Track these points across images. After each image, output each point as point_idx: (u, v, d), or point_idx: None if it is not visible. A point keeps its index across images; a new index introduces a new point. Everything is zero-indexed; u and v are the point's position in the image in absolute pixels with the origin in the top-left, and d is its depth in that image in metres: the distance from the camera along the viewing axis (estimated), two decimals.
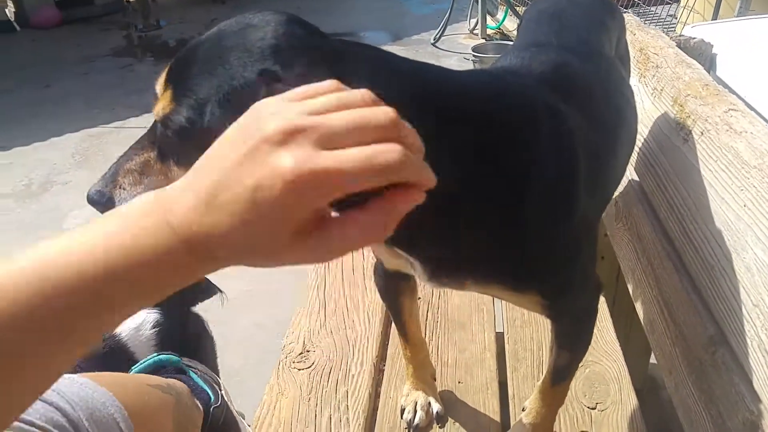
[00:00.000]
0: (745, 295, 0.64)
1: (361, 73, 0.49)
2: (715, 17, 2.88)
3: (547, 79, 0.69)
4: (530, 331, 1.08)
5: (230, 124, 0.36)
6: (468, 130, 0.53)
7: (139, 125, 3.86)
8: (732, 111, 0.78)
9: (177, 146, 0.52)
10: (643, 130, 1.03)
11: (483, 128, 0.54)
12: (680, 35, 1.15)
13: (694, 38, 1.12)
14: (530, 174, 0.58)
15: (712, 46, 1.13)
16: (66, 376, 0.60)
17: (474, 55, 3.95)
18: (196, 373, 0.83)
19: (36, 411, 0.52)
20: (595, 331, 1.07)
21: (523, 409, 0.90)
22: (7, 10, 6.40)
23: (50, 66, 5.16)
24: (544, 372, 0.83)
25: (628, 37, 1.14)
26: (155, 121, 0.53)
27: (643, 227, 0.96)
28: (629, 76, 1.03)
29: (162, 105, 0.51)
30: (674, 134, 0.90)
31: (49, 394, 0.54)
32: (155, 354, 0.82)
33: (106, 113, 4.04)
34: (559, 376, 0.81)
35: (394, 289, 0.88)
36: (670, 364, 0.81)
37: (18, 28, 6.29)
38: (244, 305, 1.96)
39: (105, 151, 3.56)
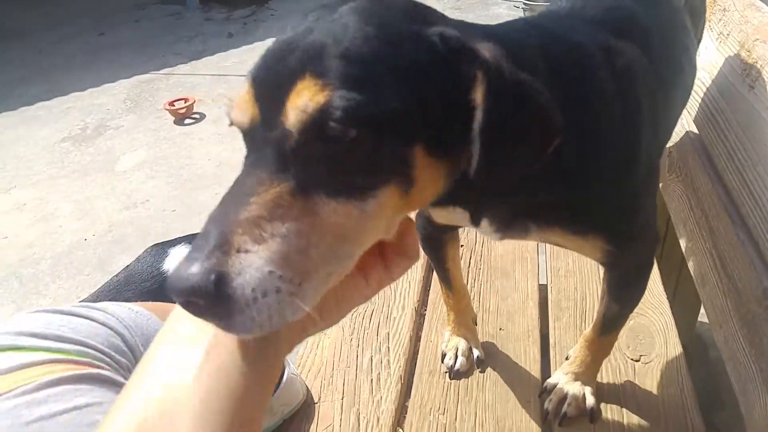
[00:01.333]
0: None
1: (523, 56, 0.48)
2: None
3: (605, 21, 0.68)
4: (574, 281, 1.08)
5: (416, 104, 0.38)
6: (553, 81, 0.51)
7: (187, 72, 3.93)
8: None
9: (334, 162, 0.37)
10: (705, 78, 0.99)
11: (559, 78, 0.53)
12: None
13: None
14: (600, 115, 0.57)
15: None
16: (123, 304, 0.65)
17: (524, 3, 3.82)
18: None
19: (99, 336, 0.57)
20: None
21: (566, 358, 0.91)
22: None
23: (104, 14, 5.26)
24: (590, 322, 0.84)
25: None
26: (277, 138, 0.38)
27: (699, 178, 0.93)
28: (702, 29, 0.98)
29: (306, 98, 0.37)
30: (740, 82, 0.86)
31: (110, 320, 0.59)
32: None
33: (156, 60, 4.12)
34: (608, 327, 0.81)
35: (438, 239, 0.88)
36: (721, 317, 0.80)
37: None
38: None
39: (155, 96, 3.65)
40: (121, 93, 3.75)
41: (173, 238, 1.07)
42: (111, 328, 0.60)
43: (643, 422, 0.82)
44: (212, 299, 0.33)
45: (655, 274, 1.03)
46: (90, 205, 2.65)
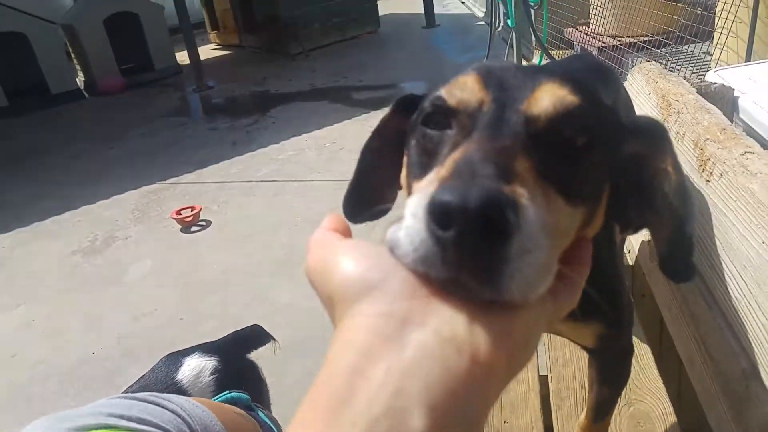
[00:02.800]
0: (764, 328, 0.68)
1: None
2: (749, 56, 2.89)
3: None
4: (572, 369, 1.12)
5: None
6: None
7: (193, 180, 4.11)
8: (748, 153, 0.83)
9: (559, 160, 0.38)
10: None
11: None
12: (701, 81, 1.20)
13: (715, 84, 1.18)
14: None
15: (733, 90, 1.18)
16: (182, 397, 0.70)
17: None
18: (263, 412, 0.91)
19: (171, 422, 0.61)
20: (637, 368, 1.10)
21: None
22: (77, 79, 7.02)
23: (114, 129, 5.59)
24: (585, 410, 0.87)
25: (650, 86, 1.21)
26: (519, 122, 0.38)
27: (692, 293, 1.00)
28: None
29: (562, 94, 0.40)
30: (697, 175, 0.95)
31: (176, 409, 0.64)
32: (227, 392, 0.91)
33: (163, 170, 4.33)
34: (601, 413, 0.83)
35: None
36: (710, 399, 0.83)
37: (87, 95, 6.88)
38: (296, 353, 2.05)
39: (162, 205, 3.81)
40: (129, 204, 3.91)
41: (186, 347, 1.12)
42: (179, 416, 0.65)
43: None
44: (497, 220, 0.29)
45: (649, 359, 1.06)
46: (98, 318, 2.69)
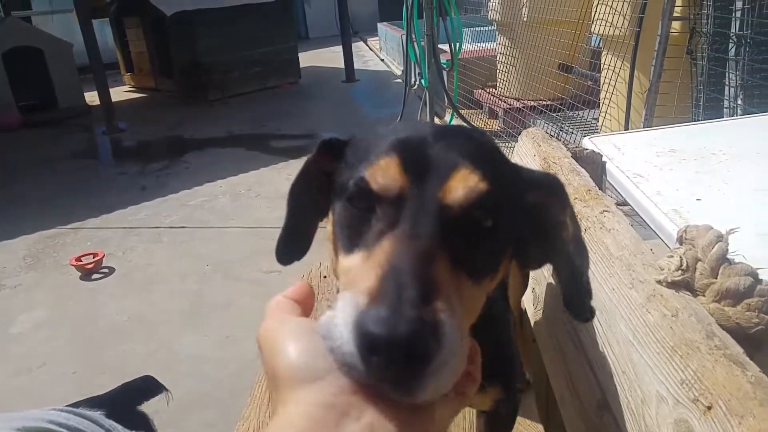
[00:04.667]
0: (617, 364, 0.78)
1: None
2: (626, 124, 3.27)
3: None
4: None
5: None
6: None
7: (97, 225, 3.91)
8: (605, 212, 0.96)
9: (471, 244, 0.43)
10: None
11: None
12: (576, 146, 1.37)
13: (587, 149, 1.35)
14: None
15: (601, 155, 1.35)
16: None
17: None
18: None
19: None
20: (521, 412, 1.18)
21: None
22: None
23: (8, 168, 5.22)
24: None
25: (535, 149, 1.36)
26: (435, 211, 0.42)
27: (552, 310, 1.11)
28: None
29: (474, 182, 0.43)
30: None
31: (110, 428, 0.67)
32: None
33: (64, 214, 4.09)
34: None
35: None
36: (574, 429, 0.92)
37: None
38: (198, 405, 1.97)
39: (60, 251, 3.58)
40: (20, 250, 3.64)
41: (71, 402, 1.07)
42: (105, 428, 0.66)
43: None
44: (420, 351, 0.33)
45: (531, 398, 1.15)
46: None
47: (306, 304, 0.47)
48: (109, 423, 0.66)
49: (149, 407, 1.15)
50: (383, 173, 0.44)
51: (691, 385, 0.59)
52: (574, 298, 0.61)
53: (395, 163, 0.44)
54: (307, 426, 0.34)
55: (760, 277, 0.72)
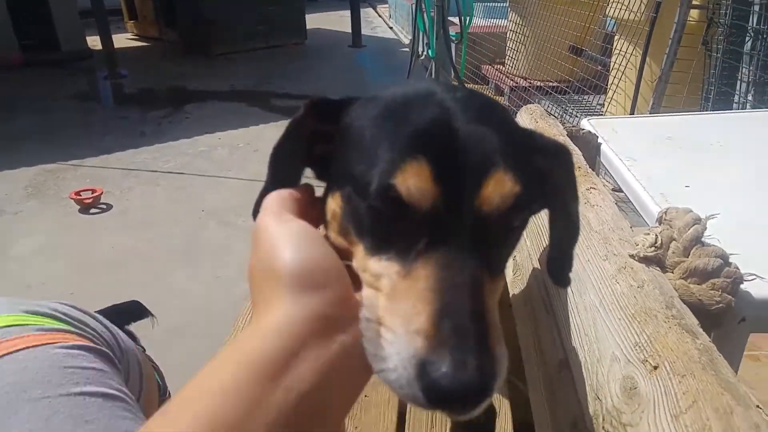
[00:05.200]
0: (581, 328, 0.83)
1: None
2: (632, 110, 3.27)
3: None
4: None
5: None
6: None
7: (97, 164, 3.93)
8: (592, 189, 0.99)
9: (501, 246, 0.44)
10: None
11: None
12: (573, 126, 1.39)
13: (583, 129, 1.37)
14: None
15: (597, 136, 1.37)
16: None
17: None
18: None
19: (103, 332, 0.67)
20: None
21: None
22: None
23: (8, 104, 5.20)
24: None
25: (532, 125, 1.38)
26: (475, 225, 0.41)
27: (530, 278, 1.15)
28: None
29: (509, 188, 0.41)
30: None
31: (109, 326, 0.70)
32: None
33: (64, 150, 4.11)
34: None
35: None
36: (534, 384, 0.98)
37: None
38: (182, 334, 2.04)
39: (60, 185, 3.61)
40: (22, 180, 3.67)
41: None
42: (111, 332, 0.70)
43: None
44: (484, 392, 0.36)
45: None
46: None
47: (305, 204, 0.48)
48: (105, 321, 0.70)
49: (137, 332, 1.20)
50: (415, 184, 0.40)
51: (643, 348, 0.64)
52: (556, 266, 0.63)
53: (426, 171, 0.40)
54: (305, 330, 0.38)
55: (730, 260, 0.76)
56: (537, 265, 1.15)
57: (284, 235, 0.42)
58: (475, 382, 0.35)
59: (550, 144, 0.54)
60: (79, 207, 3.27)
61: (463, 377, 0.34)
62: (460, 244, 0.40)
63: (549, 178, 0.53)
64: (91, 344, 0.62)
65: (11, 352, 0.54)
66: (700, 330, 0.62)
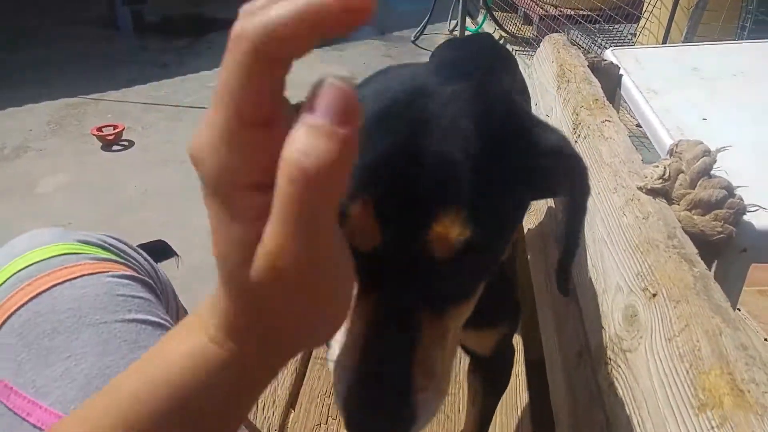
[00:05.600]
0: (590, 261, 0.85)
1: None
2: (665, 39, 3.13)
3: None
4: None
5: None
6: None
7: (118, 98, 3.95)
8: (607, 121, 0.99)
9: (455, 281, 0.41)
10: None
11: None
12: (595, 57, 1.35)
13: (605, 60, 1.33)
14: None
15: (618, 68, 1.34)
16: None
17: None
18: None
19: (144, 266, 0.71)
20: None
21: None
22: None
23: (25, 30, 5.17)
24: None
25: (554, 55, 1.35)
26: (415, 265, 0.39)
27: (543, 213, 1.17)
28: (529, 104, 1.22)
29: (455, 232, 0.38)
30: (572, 137, 1.11)
31: (149, 260, 0.74)
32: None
33: (85, 83, 4.11)
34: (486, 422, 0.85)
35: None
36: (544, 318, 1.02)
37: None
38: (206, 274, 2.13)
39: (82, 120, 3.65)
40: (45, 115, 3.72)
41: None
42: (152, 266, 0.75)
43: None
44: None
45: None
46: (5, 228, 2.62)
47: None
48: (146, 255, 0.75)
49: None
50: (358, 225, 0.39)
51: (644, 277, 0.66)
52: (559, 272, 0.60)
53: (367, 214, 0.38)
54: None
55: (735, 192, 0.76)
56: (551, 202, 1.17)
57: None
58: (382, 428, 0.37)
59: (549, 146, 0.48)
60: (101, 144, 3.32)
61: (370, 424, 0.37)
62: (402, 285, 0.39)
63: (551, 177, 0.49)
64: (137, 275, 0.67)
65: (70, 279, 0.59)
66: (698, 259, 0.64)
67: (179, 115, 3.74)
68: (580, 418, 0.76)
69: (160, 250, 1.32)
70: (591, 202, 0.91)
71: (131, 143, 3.38)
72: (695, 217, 0.74)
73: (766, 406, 0.46)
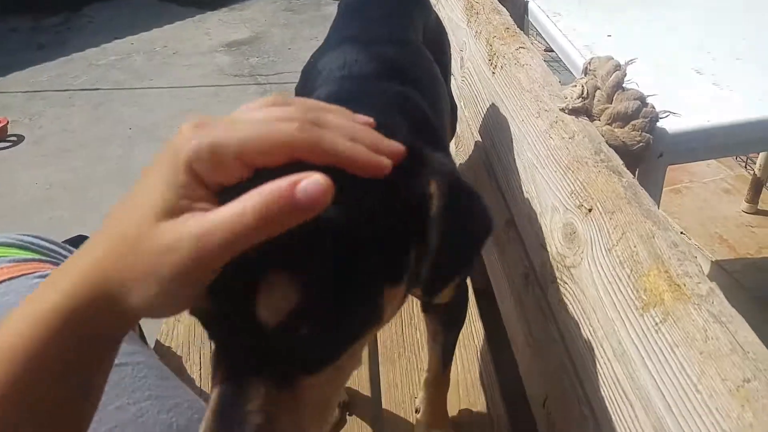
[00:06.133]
0: (520, 187, 0.87)
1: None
2: None
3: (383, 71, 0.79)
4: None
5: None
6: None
7: None
8: (521, 48, 1.00)
9: (309, 345, 0.37)
10: (470, 67, 1.25)
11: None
12: None
13: None
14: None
15: None
16: None
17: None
18: None
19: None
20: None
21: (416, 411, 0.92)
22: None
23: None
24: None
25: None
26: (249, 335, 0.36)
27: (471, 148, 1.19)
28: (449, 48, 1.21)
29: (279, 296, 0.35)
30: (487, 68, 1.11)
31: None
32: None
33: None
34: (448, 359, 0.85)
35: None
36: (486, 249, 1.05)
37: None
38: None
39: None
40: None
41: None
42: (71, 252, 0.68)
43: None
44: None
45: None
46: None
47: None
48: (73, 249, 0.69)
49: None
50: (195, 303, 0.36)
51: (578, 194, 0.69)
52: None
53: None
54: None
55: (647, 101, 0.80)
56: (478, 136, 1.18)
57: None
58: None
59: (413, 197, 0.41)
60: None
61: None
62: (235, 358, 0.37)
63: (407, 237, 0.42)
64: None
65: None
66: (625, 169, 0.67)
67: (71, 100, 3.44)
68: (536, 338, 0.80)
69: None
70: (516, 130, 0.94)
71: (20, 138, 3.08)
72: (616, 129, 0.77)
73: (701, 295, 0.50)
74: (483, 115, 1.12)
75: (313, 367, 0.38)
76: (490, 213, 0.47)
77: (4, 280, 0.55)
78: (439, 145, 0.76)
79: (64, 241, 1.25)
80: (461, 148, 1.28)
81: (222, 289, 0.35)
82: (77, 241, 1.26)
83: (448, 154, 0.77)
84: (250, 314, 0.35)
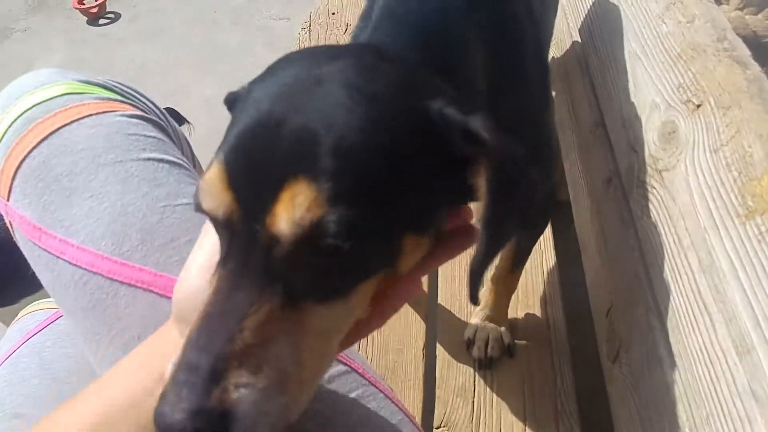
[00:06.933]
0: (616, 83, 0.78)
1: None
2: None
3: None
4: None
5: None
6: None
7: None
8: None
9: (323, 271, 0.34)
10: None
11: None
12: None
13: None
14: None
15: None
16: None
17: None
18: None
19: (153, 110, 0.67)
20: None
21: (476, 304, 0.93)
22: None
23: None
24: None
25: None
26: (262, 245, 0.33)
27: (568, 44, 1.06)
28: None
29: (302, 209, 0.32)
30: None
31: (158, 105, 0.71)
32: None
33: None
34: (518, 263, 0.82)
35: None
36: (567, 152, 0.97)
37: None
38: (212, 143, 2.09)
39: None
40: None
41: None
42: (161, 112, 0.72)
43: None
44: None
45: None
46: None
47: None
48: (153, 100, 0.70)
49: None
50: (207, 192, 0.35)
51: (687, 88, 0.59)
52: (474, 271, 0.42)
53: (220, 180, 0.35)
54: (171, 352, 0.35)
55: None
56: (575, 28, 1.05)
57: (193, 253, 0.41)
58: (182, 425, 0.31)
59: (458, 128, 0.37)
60: (86, 18, 3.12)
61: (173, 408, 0.31)
62: (242, 266, 0.34)
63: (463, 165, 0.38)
64: (146, 114, 0.62)
65: (77, 119, 0.55)
66: (752, 61, 0.57)
67: None
68: (609, 246, 0.74)
69: (171, 117, 1.28)
70: (623, 14, 0.81)
71: (117, 15, 3.16)
72: (747, 17, 0.65)
73: None
74: (596, 41, 0.97)
75: (321, 295, 0.35)
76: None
77: (92, 114, 0.56)
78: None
79: None
80: (555, 42, 1.15)
81: (242, 187, 0.34)
82: (168, 113, 1.30)
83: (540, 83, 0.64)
84: (267, 223, 0.33)
